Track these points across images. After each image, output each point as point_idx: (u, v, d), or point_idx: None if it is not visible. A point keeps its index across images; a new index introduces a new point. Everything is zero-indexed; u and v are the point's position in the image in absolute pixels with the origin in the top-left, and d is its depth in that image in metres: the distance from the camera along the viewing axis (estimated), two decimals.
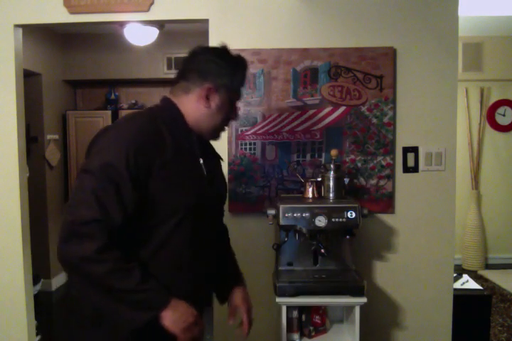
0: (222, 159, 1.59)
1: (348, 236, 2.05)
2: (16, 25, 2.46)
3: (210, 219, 1.47)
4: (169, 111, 1.41)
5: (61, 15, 2.40)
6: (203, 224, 1.40)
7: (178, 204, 1.32)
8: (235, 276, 1.62)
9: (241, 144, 2.37)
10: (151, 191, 1.27)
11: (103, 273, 1.18)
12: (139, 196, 1.26)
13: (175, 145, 1.33)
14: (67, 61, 4.79)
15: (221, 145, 2.25)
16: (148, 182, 1.27)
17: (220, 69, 1.39)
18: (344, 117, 2.35)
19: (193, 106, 1.41)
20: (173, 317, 1.23)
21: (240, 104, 2.10)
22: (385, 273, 2.40)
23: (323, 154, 2.36)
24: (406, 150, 2.38)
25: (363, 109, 2.34)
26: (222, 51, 1.44)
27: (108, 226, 1.20)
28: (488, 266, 4.98)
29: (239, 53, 1.46)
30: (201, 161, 1.43)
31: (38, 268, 3.94)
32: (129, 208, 1.24)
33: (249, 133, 2.36)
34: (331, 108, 2.34)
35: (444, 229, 2.39)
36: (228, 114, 1.46)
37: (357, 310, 1.94)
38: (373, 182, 2.36)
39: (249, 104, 2.35)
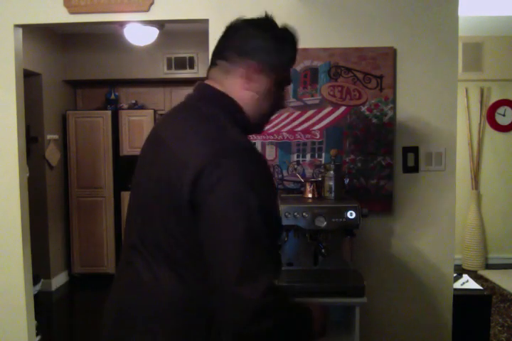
0: None
1: (348, 237, 2.04)
2: (16, 25, 2.46)
3: None
4: (226, 101, 1.15)
5: (61, 15, 2.40)
6: None
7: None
8: None
9: None
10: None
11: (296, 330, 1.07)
12: None
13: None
14: (67, 61, 4.80)
15: None
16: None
17: (264, 43, 1.16)
18: (344, 117, 2.34)
19: (236, 90, 1.15)
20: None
21: None
22: (385, 273, 2.40)
23: (323, 154, 2.35)
24: (406, 150, 2.38)
25: (363, 109, 2.34)
26: (265, 23, 1.20)
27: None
28: (488, 266, 4.98)
29: (286, 25, 1.21)
30: None
31: (38, 268, 3.94)
32: None
33: None
34: (331, 108, 2.34)
35: (444, 229, 2.39)
36: (277, 100, 1.20)
37: (357, 310, 1.93)
38: (373, 182, 2.36)
39: None
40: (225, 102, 1.14)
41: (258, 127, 1.24)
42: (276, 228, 1.09)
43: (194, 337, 1.07)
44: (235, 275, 0.95)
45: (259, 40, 1.16)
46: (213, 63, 1.19)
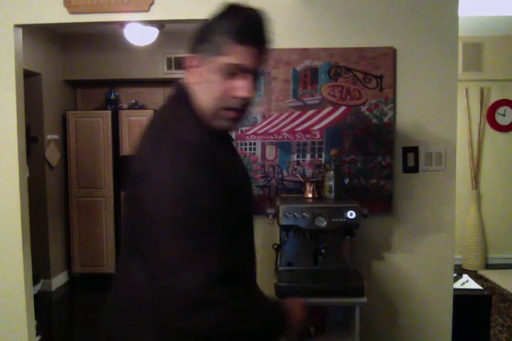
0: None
1: (348, 236, 2.04)
2: (16, 25, 2.46)
3: None
4: (184, 101, 1.14)
5: (61, 15, 2.40)
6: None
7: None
8: None
9: (241, 144, 2.37)
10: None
11: (253, 326, 1.06)
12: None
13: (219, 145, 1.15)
14: (67, 61, 4.80)
15: None
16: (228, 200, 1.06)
17: (196, 33, 1.13)
18: (344, 117, 2.34)
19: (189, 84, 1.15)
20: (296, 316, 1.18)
21: None
22: (385, 273, 2.40)
23: (323, 154, 2.35)
24: (406, 150, 2.38)
25: (363, 109, 2.34)
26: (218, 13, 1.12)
27: (228, 273, 0.99)
28: (488, 266, 4.98)
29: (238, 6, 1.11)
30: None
31: (38, 268, 3.94)
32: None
33: (249, 133, 2.36)
34: (331, 108, 2.34)
35: (444, 229, 2.39)
36: (222, 89, 1.09)
37: (357, 310, 1.93)
38: (373, 182, 2.36)
39: None
40: (192, 101, 1.13)
41: (217, 122, 1.12)
42: (225, 222, 1.03)
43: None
44: (169, 270, 0.97)
45: (196, 33, 1.14)
46: None
